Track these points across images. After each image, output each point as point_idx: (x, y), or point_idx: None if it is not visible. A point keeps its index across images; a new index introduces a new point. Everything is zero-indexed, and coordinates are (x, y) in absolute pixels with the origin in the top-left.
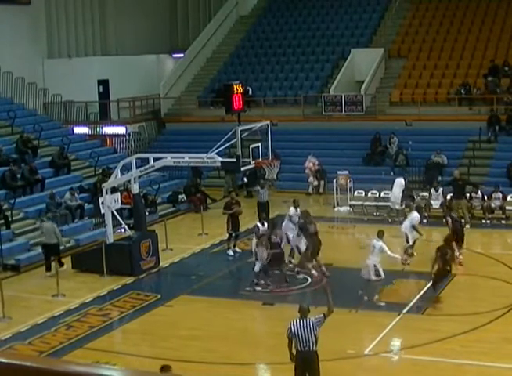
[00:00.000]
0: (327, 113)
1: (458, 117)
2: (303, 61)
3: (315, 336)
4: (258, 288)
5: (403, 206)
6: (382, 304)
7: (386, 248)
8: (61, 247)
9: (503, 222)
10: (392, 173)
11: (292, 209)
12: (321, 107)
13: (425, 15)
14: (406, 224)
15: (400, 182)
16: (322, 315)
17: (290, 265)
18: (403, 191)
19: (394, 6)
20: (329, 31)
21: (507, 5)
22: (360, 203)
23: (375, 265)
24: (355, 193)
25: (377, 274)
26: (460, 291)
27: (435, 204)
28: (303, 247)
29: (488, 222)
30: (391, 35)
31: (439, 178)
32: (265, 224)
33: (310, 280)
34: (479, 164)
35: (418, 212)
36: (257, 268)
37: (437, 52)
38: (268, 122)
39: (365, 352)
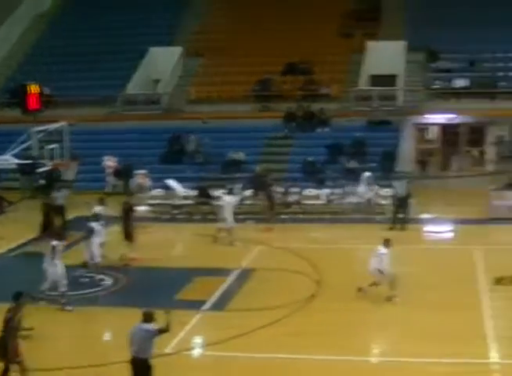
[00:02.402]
0: (125, 112)
1: (255, 114)
2: (102, 60)
3: (147, 344)
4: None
5: None
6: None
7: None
8: None
9: (301, 216)
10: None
11: (99, 207)
12: (119, 107)
13: (223, 14)
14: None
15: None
16: (157, 328)
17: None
18: None
19: (192, 5)
20: (129, 30)
21: (301, 3)
22: (158, 201)
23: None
24: (154, 192)
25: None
26: (259, 285)
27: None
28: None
29: (287, 216)
30: (189, 34)
31: (238, 174)
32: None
33: (112, 281)
34: (277, 160)
35: None
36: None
37: (234, 50)
38: (65, 123)
39: (166, 350)
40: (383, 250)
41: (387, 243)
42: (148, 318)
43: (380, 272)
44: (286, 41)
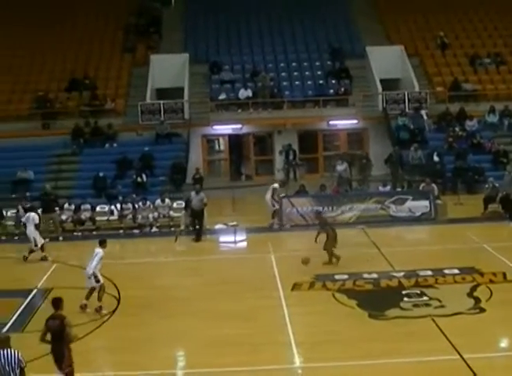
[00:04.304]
0: None
1: (39, 131)
2: None
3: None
4: None
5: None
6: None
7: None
8: None
9: (94, 232)
10: None
11: None
12: None
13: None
14: None
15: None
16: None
17: None
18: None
19: None
20: None
21: (81, 19)
22: None
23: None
24: None
25: (97, 281)
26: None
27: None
28: None
29: (80, 233)
30: None
31: (28, 193)
32: None
33: None
34: (66, 178)
35: None
36: None
37: (16, 68)
38: None
39: None
40: (97, 249)
41: (102, 242)
42: (4, 342)
43: (94, 275)
44: (69, 57)
